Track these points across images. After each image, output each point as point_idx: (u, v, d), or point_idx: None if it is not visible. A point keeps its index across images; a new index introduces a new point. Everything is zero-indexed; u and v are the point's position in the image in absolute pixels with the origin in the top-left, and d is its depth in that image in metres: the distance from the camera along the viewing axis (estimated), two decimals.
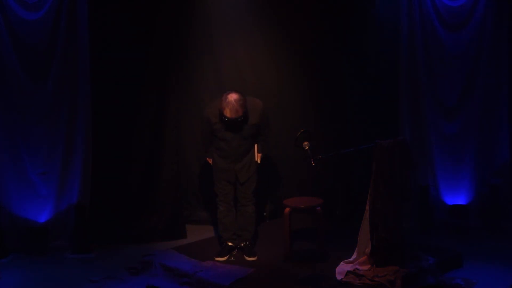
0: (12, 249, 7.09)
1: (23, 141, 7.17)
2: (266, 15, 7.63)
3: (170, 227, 7.47)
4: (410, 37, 7.53)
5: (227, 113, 6.15)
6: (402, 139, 6.07)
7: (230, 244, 6.57)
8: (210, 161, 6.64)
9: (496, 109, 7.64)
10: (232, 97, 6.14)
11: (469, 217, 7.62)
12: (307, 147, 5.97)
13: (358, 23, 7.58)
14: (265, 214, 7.75)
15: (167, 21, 7.34)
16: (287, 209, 6.34)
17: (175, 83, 7.46)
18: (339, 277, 5.94)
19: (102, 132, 7.31)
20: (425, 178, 7.66)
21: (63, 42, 7.13)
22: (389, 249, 5.88)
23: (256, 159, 6.56)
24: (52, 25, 7.09)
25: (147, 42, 7.33)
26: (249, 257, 6.50)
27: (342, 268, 6.02)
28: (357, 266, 5.94)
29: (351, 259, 6.08)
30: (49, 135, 7.22)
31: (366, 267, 5.92)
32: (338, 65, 7.65)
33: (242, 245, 6.57)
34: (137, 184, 7.45)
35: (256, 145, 6.55)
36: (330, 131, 7.67)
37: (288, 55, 7.73)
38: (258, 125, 6.42)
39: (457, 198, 7.69)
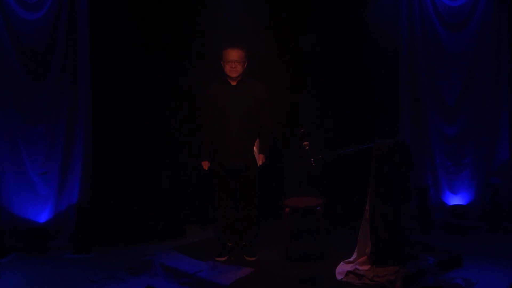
0: (12, 249, 7.09)
1: (23, 141, 7.16)
2: (266, 15, 7.63)
3: (170, 227, 7.46)
4: (410, 37, 7.54)
5: (229, 51, 6.29)
6: (402, 139, 6.08)
7: (230, 244, 6.57)
8: (204, 165, 6.54)
9: (496, 109, 7.64)
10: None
11: (469, 217, 7.61)
12: (307, 147, 5.96)
13: (358, 23, 7.58)
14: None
15: (168, 20, 7.35)
16: (287, 209, 6.34)
17: (176, 83, 7.46)
18: (339, 277, 5.94)
19: (102, 132, 7.32)
20: (425, 178, 7.66)
21: (63, 42, 7.13)
22: (389, 249, 5.88)
23: (257, 160, 6.49)
24: (52, 25, 7.09)
25: (147, 42, 7.33)
26: (249, 257, 6.49)
27: (342, 268, 6.01)
28: (357, 266, 5.94)
29: (351, 259, 6.07)
30: (49, 135, 7.22)
31: (366, 267, 5.91)
32: (338, 65, 7.65)
33: (242, 245, 6.57)
34: (137, 184, 7.45)
35: (257, 143, 6.49)
36: (330, 131, 7.67)
37: (287, 55, 7.73)
38: (258, 104, 6.36)
39: (457, 198, 7.69)
